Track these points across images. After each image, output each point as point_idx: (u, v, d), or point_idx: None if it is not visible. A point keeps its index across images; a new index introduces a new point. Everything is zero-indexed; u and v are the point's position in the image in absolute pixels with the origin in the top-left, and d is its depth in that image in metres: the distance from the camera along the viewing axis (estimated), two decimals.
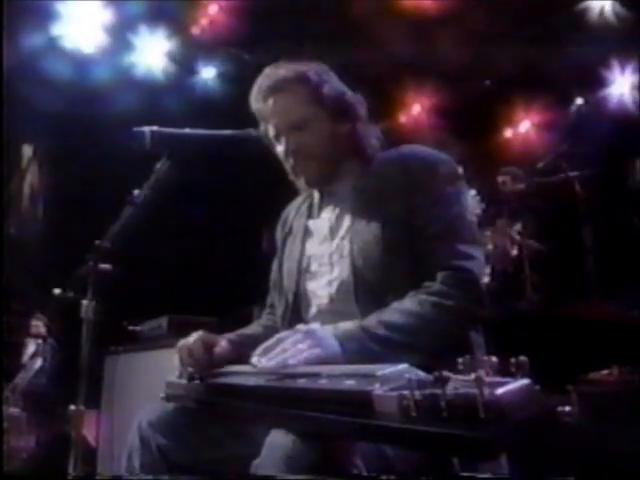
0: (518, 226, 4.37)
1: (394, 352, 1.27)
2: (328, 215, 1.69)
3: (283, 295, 1.72)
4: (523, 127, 6.25)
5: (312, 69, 1.66)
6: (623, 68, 5.42)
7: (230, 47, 5.63)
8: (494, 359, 0.76)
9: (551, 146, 4.73)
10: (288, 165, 1.68)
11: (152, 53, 5.44)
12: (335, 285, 1.58)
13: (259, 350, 1.25)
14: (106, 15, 5.07)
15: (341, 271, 1.57)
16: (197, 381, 1.43)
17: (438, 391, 0.72)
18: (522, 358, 0.74)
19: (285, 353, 1.19)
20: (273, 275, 1.84)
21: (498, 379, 0.72)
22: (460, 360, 0.79)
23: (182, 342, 1.54)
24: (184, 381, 1.48)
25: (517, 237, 4.34)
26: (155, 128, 1.77)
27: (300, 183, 1.71)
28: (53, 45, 4.98)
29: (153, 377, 3.09)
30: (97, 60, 5.16)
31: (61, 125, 5.14)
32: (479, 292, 1.44)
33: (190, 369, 1.47)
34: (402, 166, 1.57)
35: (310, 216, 1.77)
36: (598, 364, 2.94)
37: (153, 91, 5.37)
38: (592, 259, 3.95)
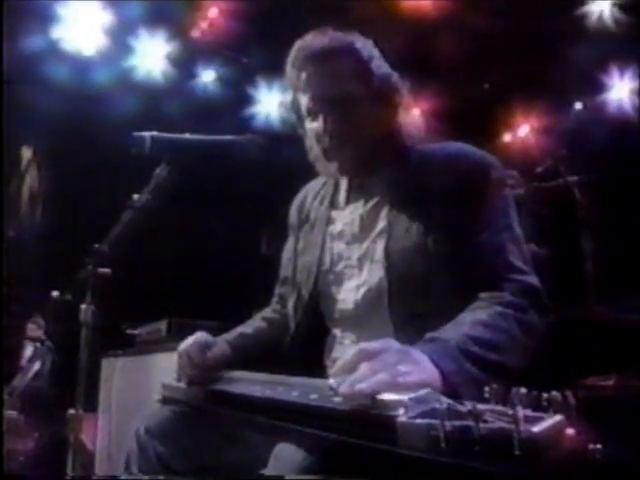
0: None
1: (487, 373, 1.10)
2: (359, 210, 1.54)
3: (296, 288, 1.61)
4: (522, 131, 6.24)
5: (360, 40, 1.51)
6: (622, 73, 5.41)
7: (230, 50, 5.62)
8: (522, 390, 0.72)
9: (550, 151, 4.71)
10: (320, 145, 1.50)
11: (152, 56, 5.43)
12: (362, 291, 1.45)
13: (337, 367, 0.98)
14: (106, 18, 5.05)
15: (369, 277, 1.45)
16: (196, 385, 1.42)
17: (471, 423, 0.69)
18: (554, 393, 0.71)
19: (379, 375, 0.90)
20: (285, 263, 1.73)
21: (531, 414, 0.69)
22: (486, 388, 0.75)
23: (182, 346, 1.48)
24: (181, 384, 1.47)
25: None
26: (155, 133, 1.74)
27: (329, 168, 1.54)
28: (53, 47, 4.96)
29: (152, 381, 3.08)
30: (97, 63, 5.15)
31: (61, 127, 5.13)
32: (546, 308, 1.33)
33: (189, 372, 1.45)
34: (449, 166, 1.43)
35: (334, 206, 1.62)
36: (596, 369, 2.92)
37: (153, 94, 5.37)
38: (591, 264, 3.94)
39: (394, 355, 0.96)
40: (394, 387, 0.89)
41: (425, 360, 1.00)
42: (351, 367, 0.94)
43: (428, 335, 1.13)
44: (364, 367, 0.92)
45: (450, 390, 0.99)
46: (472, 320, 1.20)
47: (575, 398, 0.70)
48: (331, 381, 0.94)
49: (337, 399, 0.91)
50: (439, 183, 1.41)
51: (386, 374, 0.90)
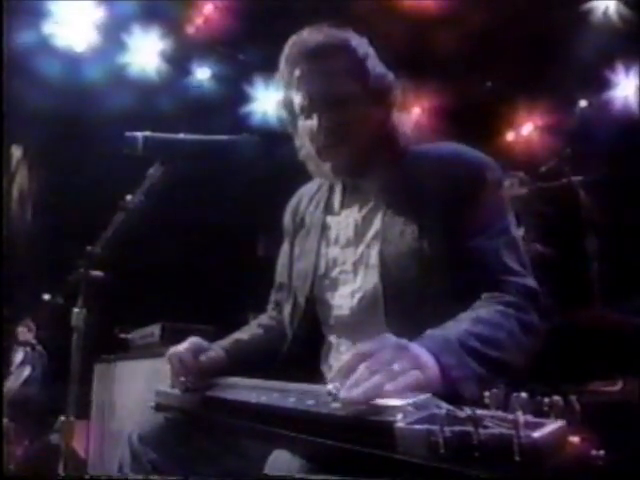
0: (521, 231, 4.31)
1: (488, 369, 1.09)
2: (354, 215, 1.52)
3: (292, 295, 1.59)
4: (526, 130, 6.25)
5: (355, 38, 1.48)
6: (627, 70, 5.41)
7: (225, 47, 5.61)
8: (523, 395, 0.71)
9: (554, 149, 4.69)
10: (314, 145, 1.48)
11: (146, 53, 5.43)
12: (357, 297, 1.44)
13: (335, 371, 0.96)
14: (99, 14, 5.05)
15: (364, 282, 1.43)
16: (191, 392, 1.38)
17: (470, 429, 0.68)
18: (556, 398, 0.70)
19: (375, 377, 0.88)
20: (280, 270, 1.71)
21: (532, 419, 0.68)
22: (487, 394, 0.74)
23: (172, 350, 1.44)
24: (176, 391, 1.43)
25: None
26: (148, 133, 1.70)
27: (322, 167, 1.51)
28: (45, 44, 4.96)
29: (145, 386, 3.05)
30: (90, 60, 5.15)
31: (52, 125, 5.11)
32: (545, 310, 1.31)
33: (182, 378, 1.40)
34: (443, 167, 1.41)
35: (328, 211, 1.60)
36: (602, 374, 2.88)
37: (146, 91, 5.37)
38: (596, 265, 3.89)
39: (390, 352, 0.95)
40: (396, 387, 0.88)
41: (424, 354, 0.99)
42: (349, 370, 0.93)
43: (428, 331, 1.11)
44: (361, 369, 0.91)
45: (450, 385, 0.99)
46: (473, 317, 1.19)
47: (580, 403, 0.69)
48: (329, 386, 0.92)
49: (334, 405, 0.90)
50: (432, 185, 1.40)
51: (382, 375, 0.89)
